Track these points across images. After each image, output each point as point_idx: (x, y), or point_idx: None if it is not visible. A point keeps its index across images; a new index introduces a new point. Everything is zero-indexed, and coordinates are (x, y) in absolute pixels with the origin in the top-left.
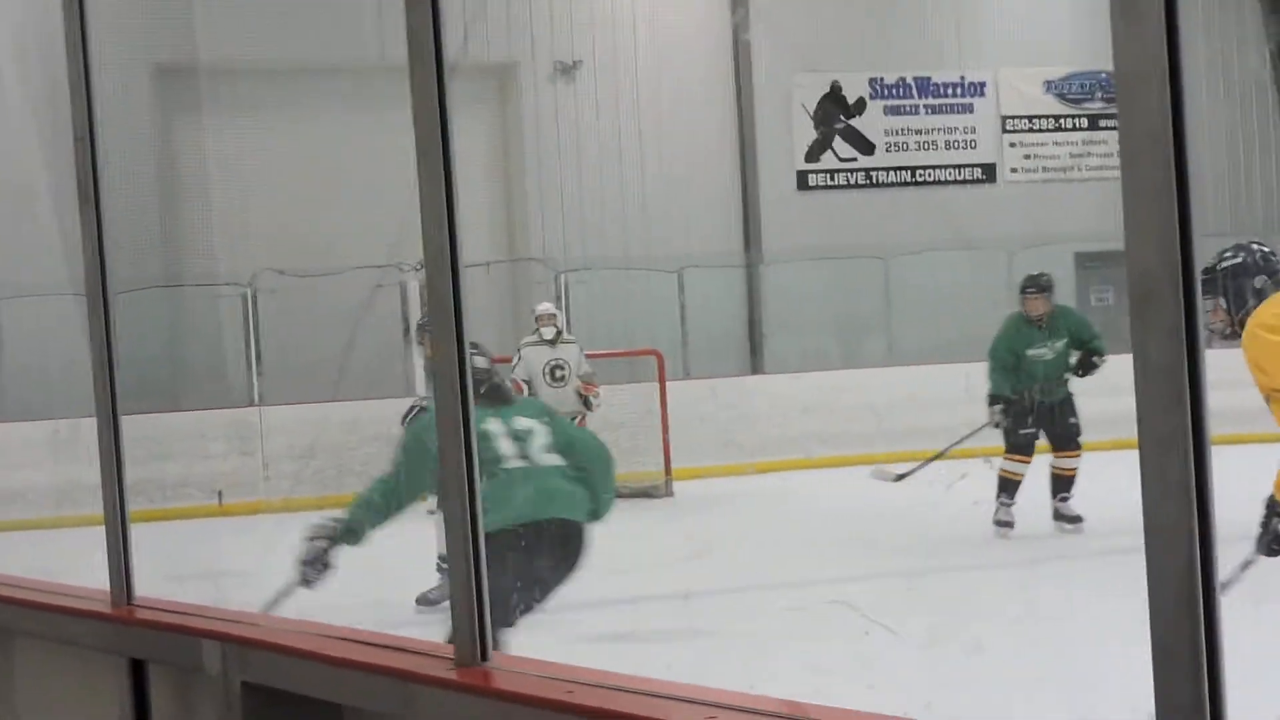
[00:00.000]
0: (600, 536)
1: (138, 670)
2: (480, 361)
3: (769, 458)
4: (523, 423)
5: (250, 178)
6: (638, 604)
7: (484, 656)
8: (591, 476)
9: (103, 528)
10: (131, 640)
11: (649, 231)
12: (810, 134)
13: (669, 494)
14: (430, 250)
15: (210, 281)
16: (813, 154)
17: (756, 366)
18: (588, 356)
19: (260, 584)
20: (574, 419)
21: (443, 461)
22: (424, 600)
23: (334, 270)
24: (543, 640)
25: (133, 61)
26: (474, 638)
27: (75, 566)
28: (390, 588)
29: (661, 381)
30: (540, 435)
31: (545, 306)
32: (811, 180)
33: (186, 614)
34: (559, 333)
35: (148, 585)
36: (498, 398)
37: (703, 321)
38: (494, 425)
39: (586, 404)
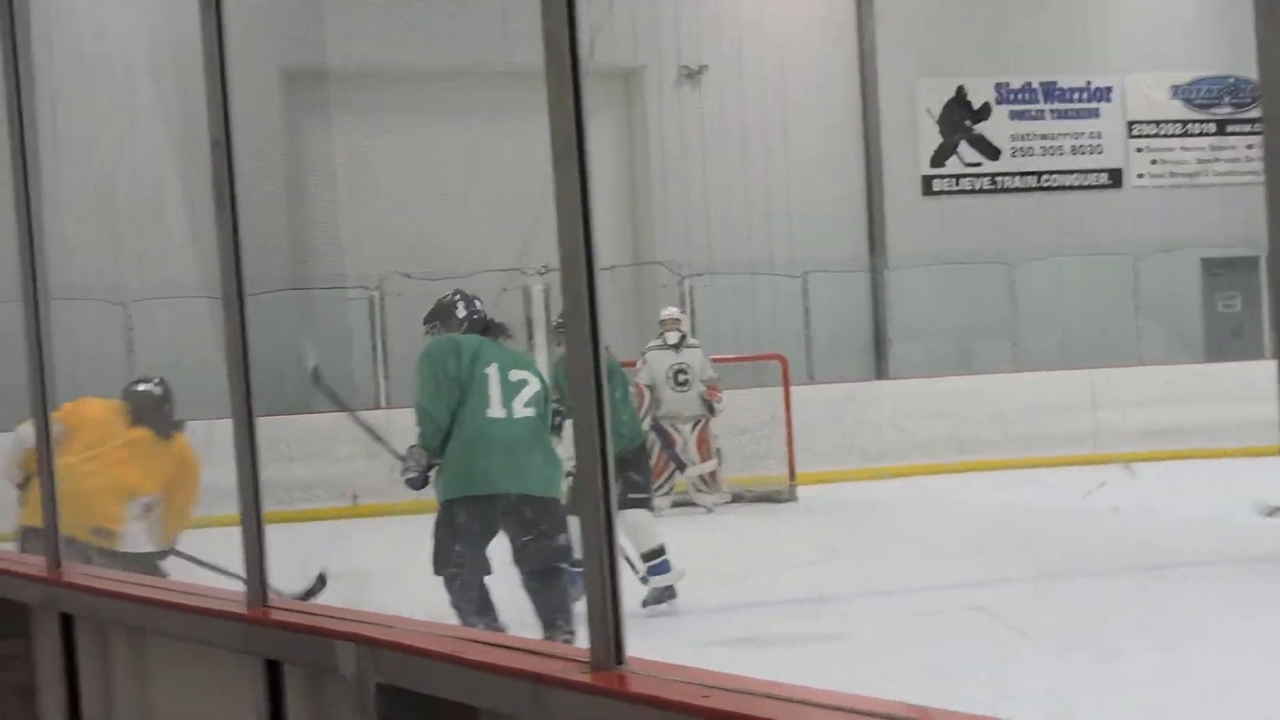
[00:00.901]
0: (725, 541)
1: (273, 671)
2: (477, 304)
3: (893, 462)
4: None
5: (378, 181)
6: (765, 608)
7: (619, 660)
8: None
9: (234, 529)
10: (267, 641)
11: (773, 236)
12: (935, 139)
13: (793, 498)
14: (566, 254)
15: (338, 285)
16: (938, 159)
17: (881, 371)
18: (712, 361)
19: (392, 584)
20: (697, 423)
21: (579, 466)
22: None
23: (460, 274)
24: (669, 644)
25: (262, 66)
26: (609, 641)
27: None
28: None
29: (786, 386)
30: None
31: (670, 311)
32: (936, 185)
33: (321, 615)
34: (683, 337)
35: (280, 586)
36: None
37: (827, 326)
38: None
39: (710, 408)
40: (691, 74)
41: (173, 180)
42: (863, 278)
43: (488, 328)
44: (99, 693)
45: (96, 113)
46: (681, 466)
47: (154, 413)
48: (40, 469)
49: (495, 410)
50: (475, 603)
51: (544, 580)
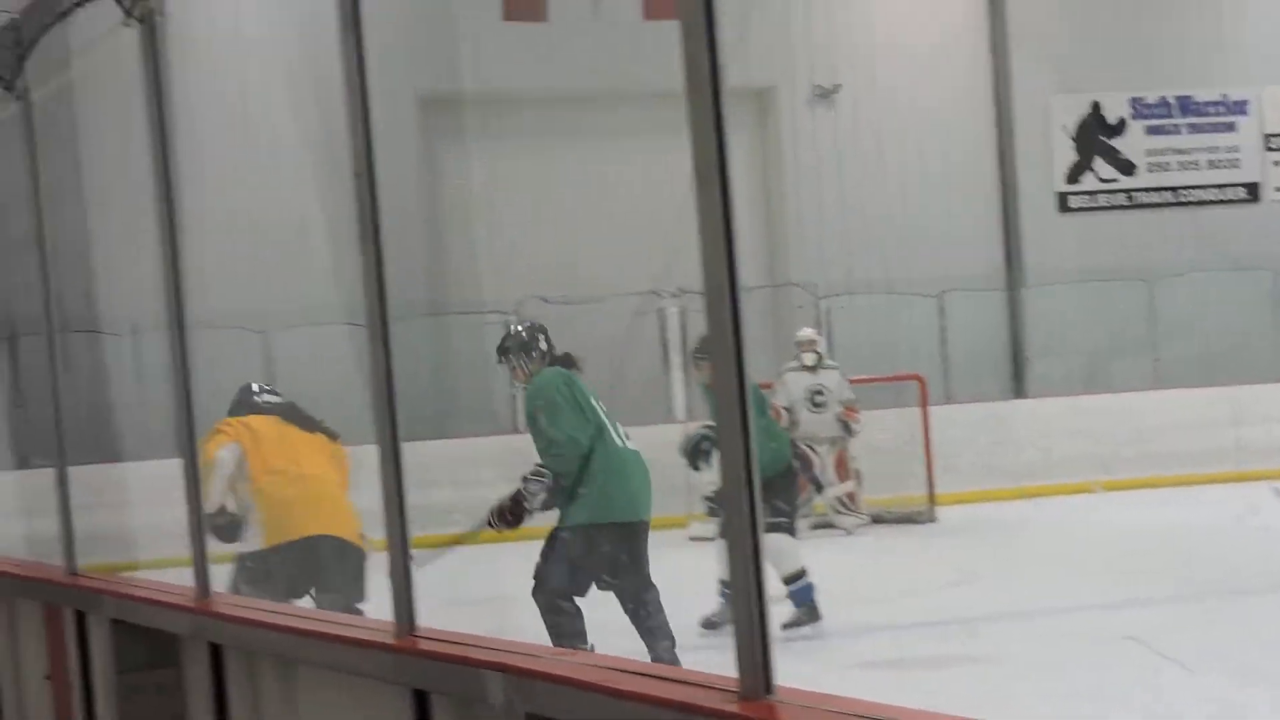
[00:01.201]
0: (865, 562)
1: (421, 701)
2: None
3: (1033, 482)
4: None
5: (514, 205)
6: (907, 630)
7: (768, 689)
8: None
9: (378, 554)
10: (415, 671)
11: (909, 255)
12: (1070, 155)
13: (933, 519)
14: (710, 279)
15: (475, 309)
16: (1073, 175)
17: (1019, 390)
18: (850, 382)
19: (533, 611)
20: (835, 444)
21: (725, 488)
22: (708, 624)
23: (596, 297)
24: (811, 668)
25: (398, 92)
26: (757, 669)
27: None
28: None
29: (924, 406)
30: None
31: (806, 332)
32: (1072, 202)
33: (469, 644)
34: (820, 358)
35: (425, 611)
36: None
37: (964, 345)
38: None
39: (847, 429)
40: (825, 93)
41: (314, 207)
42: (1000, 296)
43: (565, 360)
44: None
45: (237, 141)
46: (820, 488)
47: (308, 417)
48: (188, 496)
49: (618, 440)
50: (580, 628)
51: (645, 600)
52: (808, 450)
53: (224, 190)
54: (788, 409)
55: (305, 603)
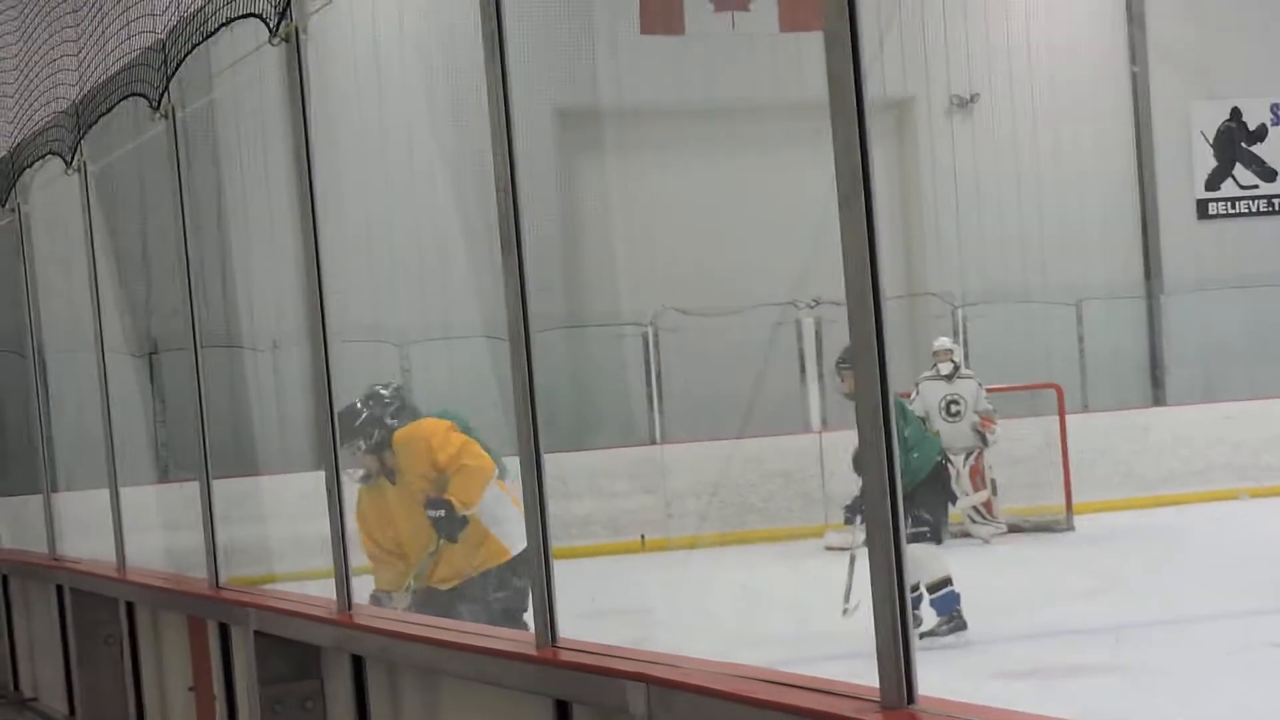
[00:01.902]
0: (1003, 571)
1: (562, 711)
2: None
3: (1172, 490)
4: None
5: (651, 218)
6: (1048, 639)
7: (910, 699)
8: None
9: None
10: (557, 682)
11: (1046, 263)
12: (1210, 162)
13: (1070, 528)
14: (853, 292)
15: (612, 321)
16: (1213, 182)
17: (1158, 398)
18: (987, 391)
19: (671, 622)
20: (970, 454)
21: (867, 497)
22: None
23: (733, 309)
24: (950, 678)
25: (536, 105)
26: (900, 679)
27: None
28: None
29: (1061, 415)
30: None
31: (942, 342)
32: (1212, 209)
33: (610, 655)
34: (956, 368)
35: (566, 624)
36: None
37: (1102, 353)
38: None
39: (983, 439)
40: (963, 103)
41: (452, 221)
42: (1138, 304)
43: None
44: None
45: (376, 157)
46: (953, 499)
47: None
48: (330, 508)
49: None
50: None
51: None
52: (943, 460)
53: (363, 205)
54: (923, 419)
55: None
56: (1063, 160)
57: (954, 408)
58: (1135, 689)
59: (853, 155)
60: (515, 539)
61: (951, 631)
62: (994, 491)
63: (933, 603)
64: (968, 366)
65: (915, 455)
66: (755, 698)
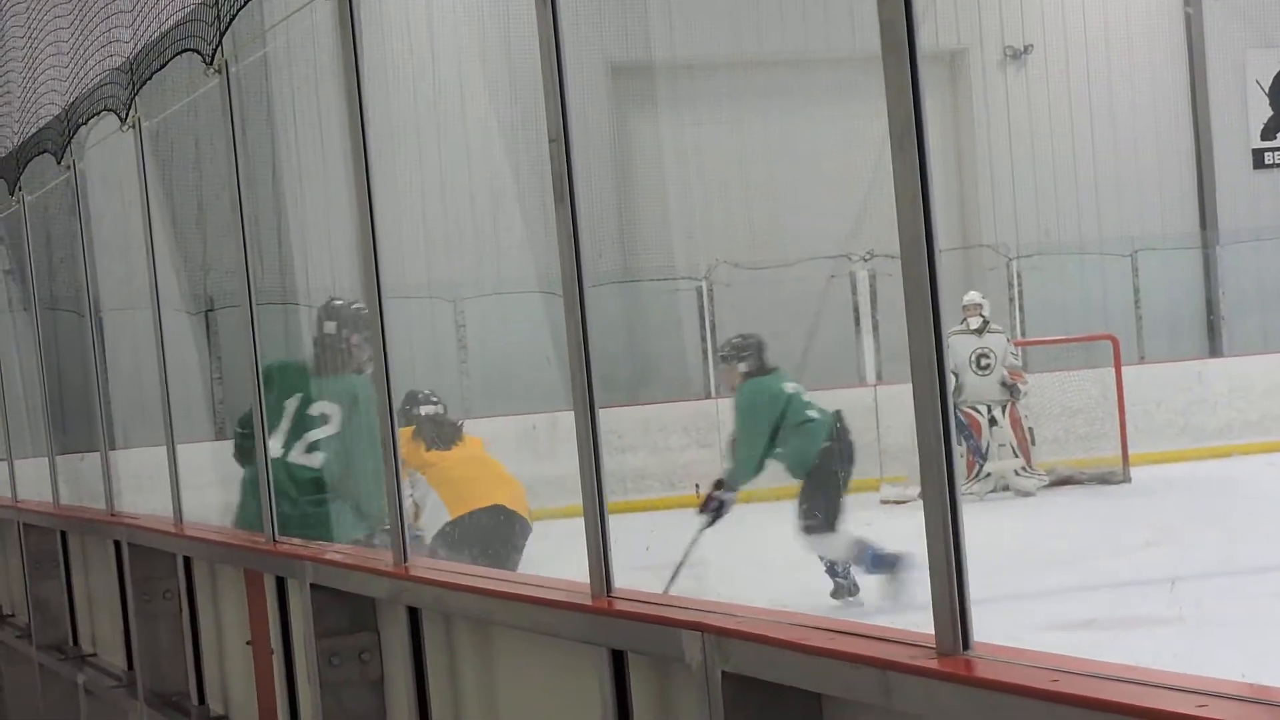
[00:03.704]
0: (1059, 524)
1: (618, 661)
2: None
3: (1230, 441)
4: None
5: (704, 172)
6: (1104, 591)
7: (966, 645)
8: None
9: (570, 520)
10: (612, 631)
11: (1101, 214)
12: (1265, 111)
13: (1127, 479)
14: (906, 241)
15: (666, 276)
16: (1268, 132)
17: (1214, 349)
18: (1017, 345)
19: (727, 573)
20: (1002, 407)
21: (921, 451)
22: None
23: (787, 262)
24: (1007, 629)
25: (589, 60)
26: (955, 625)
27: (550, 558)
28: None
29: (1117, 366)
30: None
31: (971, 296)
32: (1268, 159)
33: (666, 605)
34: (985, 323)
35: (620, 576)
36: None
37: (1158, 304)
38: (291, 403)
39: (1013, 392)
40: (1016, 54)
41: (506, 177)
42: (1194, 254)
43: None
44: (446, 684)
45: (430, 112)
46: (984, 458)
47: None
48: (385, 463)
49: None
50: None
51: None
52: (973, 413)
53: (418, 161)
54: (954, 372)
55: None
56: (1117, 111)
57: (984, 361)
58: (1192, 639)
59: (905, 98)
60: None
61: (845, 594)
62: (1032, 441)
63: (873, 567)
64: (1021, 318)
65: (796, 443)
66: (811, 645)
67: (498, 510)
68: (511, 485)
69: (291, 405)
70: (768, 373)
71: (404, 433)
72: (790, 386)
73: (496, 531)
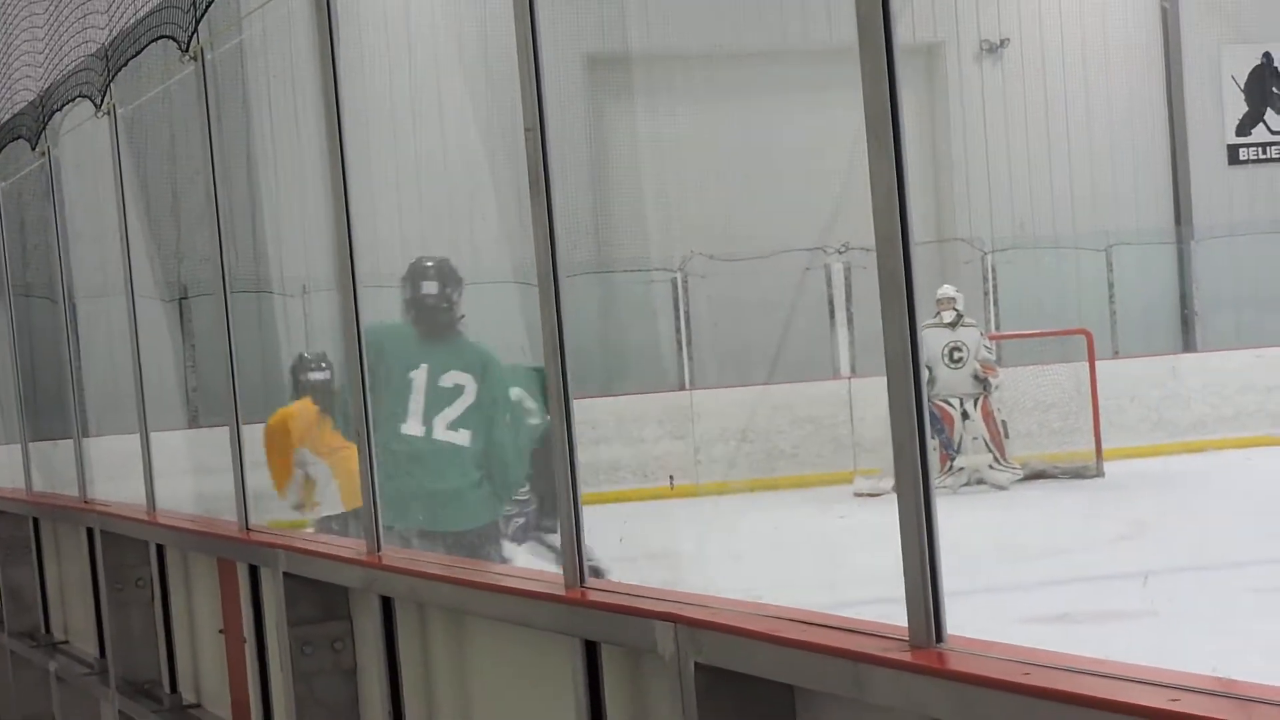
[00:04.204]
0: (1032, 518)
1: (591, 651)
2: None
3: (1203, 436)
4: (452, 378)
5: (680, 163)
6: (1077, 585)
7: (939, 638)
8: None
9: None
10: (585, 622)
11: (1076, 209)
12: (1241, 107)
13: (1100, 474)
14: (881, 234)
15: (641, 267)
16: (1244, 127)
17: (1188, 344)
18: (990, 339)
19: (700, 565)
20: (974, 400)
21: (895, 445)
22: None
23: (762, 254)
24: (981, 622)
25: (565, 51)
26: (929, 618)
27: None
28: (835, 566)
29: (1091, 360)
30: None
31: (946, 290)
32: (1243, 154)
33: (638, 595)
34: (959, 316)
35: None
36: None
37: (1132, 299)
38: (418, 375)
39: (985, 385)
40: (993, 48)
41: (482, 168)
42: (1169, 250)
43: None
44: (419, 673)
45: (405, 101)
46: (954, 452)
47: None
48: (360, 452)
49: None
50: None
51: None
52: (945, 406)
53: (394, 151)
54: (927, 366)
55: None
56: (1093, 105)
57: (956, 354)
58: (1162, 632)
59: (881, 90)
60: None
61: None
62: (1005, 434)
63: None
64: (997, 311)
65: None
66: (785, 637)
67: None
68: None
69: (420, 378)
70: None
71: (305, 405)
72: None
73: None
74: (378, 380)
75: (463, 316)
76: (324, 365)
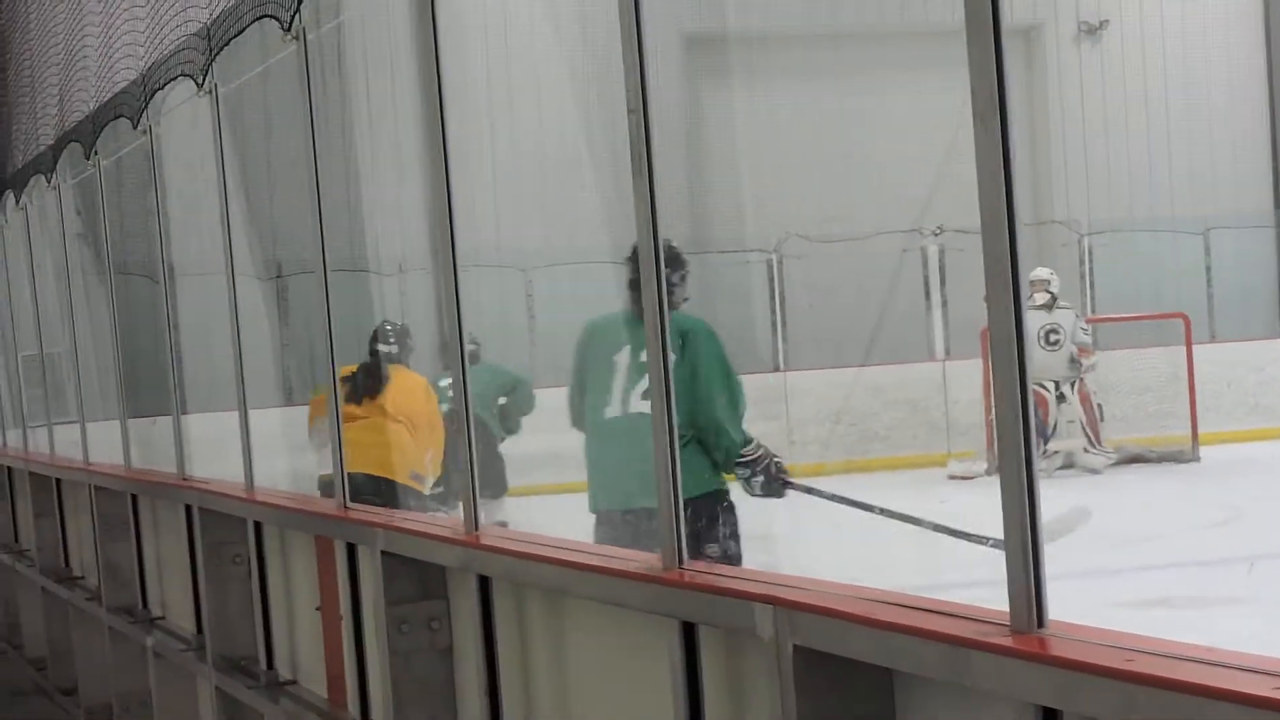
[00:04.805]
0: (1128, 503)
1: (689, 633)
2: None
3: None
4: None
5: (777, 144)
6: (1174, 570)
7: (1040, 623)
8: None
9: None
10: (683, 603)
11: (1175, 192)
12: None
13: (1196, 459)
14: (987, 208)
15: (737, 248)
16: None
17: None
18: (1089, 322)
19: (797, 547)
20: (1071, 383)
21: (1000, 427)
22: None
23: (858, 235)
24: (1079, 606)
25: (664, 31)
26: (1030, 603)
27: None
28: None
29: (1188, 344)
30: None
31: (1040, 272)
32: None
33: (737, 577)
34: (1053, 298)
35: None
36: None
37: (1230, 282)
38: (620, 358)
39: (1079, 367)
40: (1091, 29)
41: (580, 146)
42: (1267, 233)
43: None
44: (516, 653)
45: (505, 80)
46: (1046, 438)
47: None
48: (459, 434)
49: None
50: None
51: None
52: (1040, 390)
53: (490, 129)
54: None
55: None
56: (1191, 88)
57: (1053, 337)
58: (1266, 621)
59: (988, 70)
60: None
61: None
62: (1101, 418)
63: None
64: (1092, 294)
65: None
66: (884, 620)
67: (374, 481)
68: (398, 452)
69: (623, 360)
70: None
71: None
72: None
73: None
74: (583, 373)
75: (687, 299)
76: (392, 340)
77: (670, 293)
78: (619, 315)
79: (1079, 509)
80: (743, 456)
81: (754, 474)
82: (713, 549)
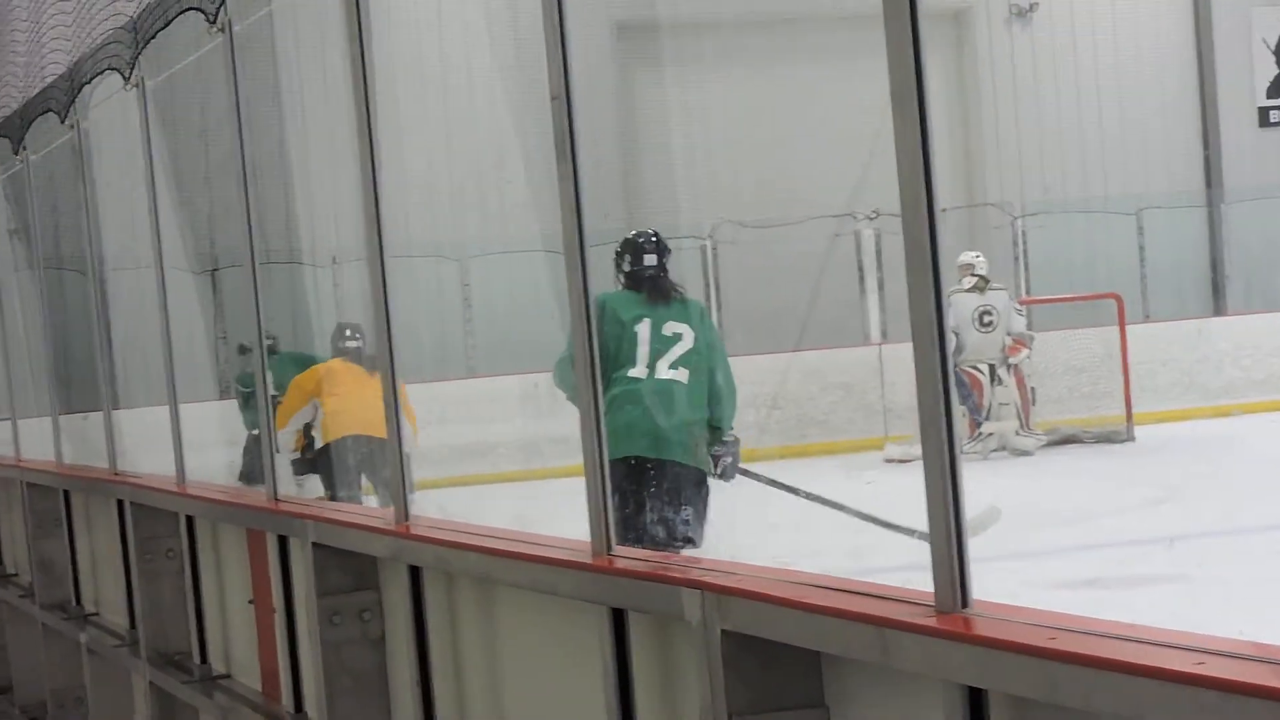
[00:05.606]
0: (1063, 483)
1: (618, 619)
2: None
3: (1234, 400)
4: (672, 327)
5: (709, 131)
6: (1108, 549)
7: (964, 603)
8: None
9: (569, 479)
10: (612, 590)
11: (1106, 173)
12: (1272, 69)
13: (1131, 438)
14: (906, 199)
15: (670, 235)
16: (1275, 90)
17: (1219, 308)
18: (1021, 303)
19: (728, 532)
20: (1007, 365)
21: (921, 411)
22: None
23: (791, 220)
24: (1010, 587)
25: (594, 19)
26: (955, 583)
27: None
28: (864, 533)
29: (1121, 325)
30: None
31: (966, 256)
32: (1273, 117)
33: (665, 563)
34: (984, 280)
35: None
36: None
37: (1163, 262)
38: (642, 329)
39: (1006, 360)
40: (1022, 12)
41: (510, 136)
42: (1199, 213)
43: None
44: (447, 641)
45: (434, 70)
46: (980, 419)
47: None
48: (388, 423)
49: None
50: None
51: None
52: (974, 372)
53: (423, 120)
54: (955, 331)
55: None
56: (1122, 69)
57: (987, 319)
58: (1194, 598)
59: (905, 56)
60: None
61: None
62: (1033, 400)
63: None
64: (1026, 276)
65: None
66: (811, 603)
67: (361, 440)
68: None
69: (644, 331)
70: None
71: (335, 364)
72: None
73: (342, 461)
74: (600, 340)
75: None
76: (358, 335)
77: (668, 277)
78: (625, 294)
79: (991, 509)
80: (726, 437)
81: (726, 454)
82: (694, 530)
